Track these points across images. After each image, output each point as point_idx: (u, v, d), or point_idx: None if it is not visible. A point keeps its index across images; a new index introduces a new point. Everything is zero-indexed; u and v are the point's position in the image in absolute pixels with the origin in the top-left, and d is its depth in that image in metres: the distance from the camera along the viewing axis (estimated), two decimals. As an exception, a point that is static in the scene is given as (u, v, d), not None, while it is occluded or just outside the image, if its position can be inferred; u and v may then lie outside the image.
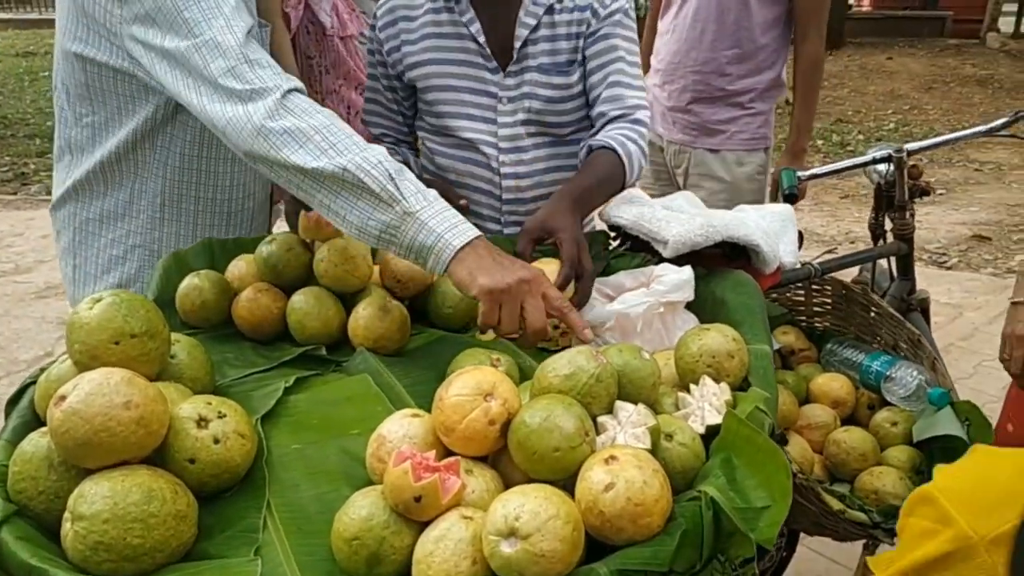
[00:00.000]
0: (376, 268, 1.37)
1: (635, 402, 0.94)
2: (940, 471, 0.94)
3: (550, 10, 1.56)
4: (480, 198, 1.66)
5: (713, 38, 2.36)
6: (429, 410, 0.96)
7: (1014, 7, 12.33)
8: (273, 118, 1.15)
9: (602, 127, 1.54)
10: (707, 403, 0.99)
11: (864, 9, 12.42)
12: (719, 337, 1.06)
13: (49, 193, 5.95)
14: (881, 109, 8.54)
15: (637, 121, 1.54)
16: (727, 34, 2.34)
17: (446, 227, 1.13)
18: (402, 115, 1.72)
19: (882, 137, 7.59)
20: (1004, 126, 2.07)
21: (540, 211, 1.34)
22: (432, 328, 1.37)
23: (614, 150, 1.47)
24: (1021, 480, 0.83)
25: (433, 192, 1.17)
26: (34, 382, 1.05)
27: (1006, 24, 12.02)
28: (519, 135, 1.61)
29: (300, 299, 1.26)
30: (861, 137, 7.63)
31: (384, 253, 1.37)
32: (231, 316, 1.30)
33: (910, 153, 1.89)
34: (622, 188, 1.49)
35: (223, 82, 1.18)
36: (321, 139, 1.14)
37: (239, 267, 1.35)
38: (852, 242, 5.24)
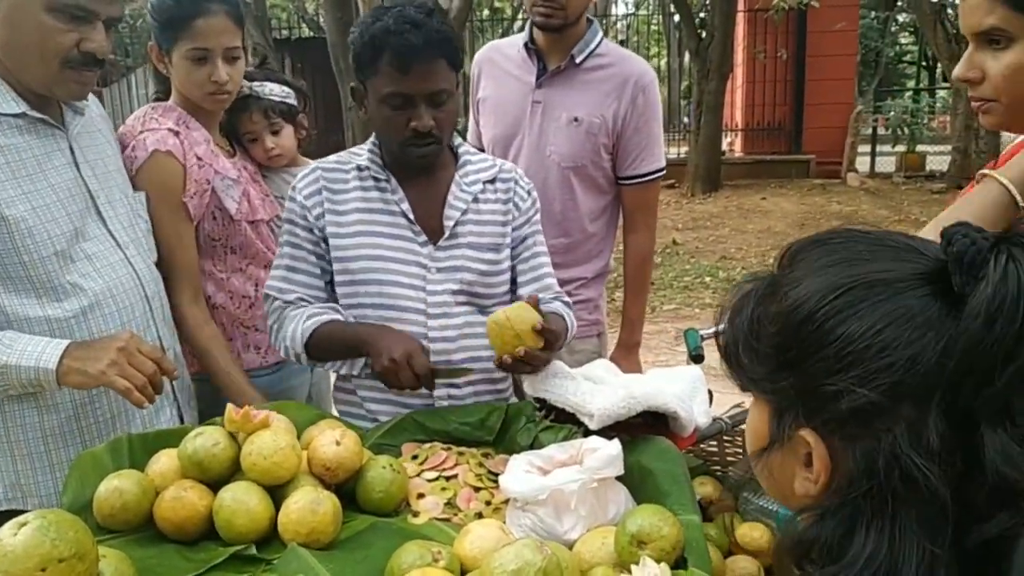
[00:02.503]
0: (304, 455, 1.35)
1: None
2: None
3: (476, 199, 1.73)
4: None
5: None
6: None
7: (868, 148, 13.62)
8: None
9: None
10: (649, 585, 1.01)
11: (737, 154, 13.44)
12: (653, 518, 1.09)
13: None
14: (761, 246, 9.09)
15: (568, 304, 1.83)
16: (554, 223, 2.19)
17: (35, 359, 1.43)
18: (323, 278, 1.74)
19: (765, 272, 8.05)
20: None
21: None
22: (362, 514, 1.35)
23: (563, 317, 1.74)
24: None
25: (8, 334, 1.45)
26: (-59, 614, 0.98)
27: (862, 164, 13.22)
28: (448, 302, 1.69)
29: (228, 495, 1.23)
30: (745, 272, 8.07)
31: (312, 441, 1.36)
32: (151, 516, 1.26)
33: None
34: (561, 346, 1.71)
35: None
36: None
37: (161, 463, 1.31)
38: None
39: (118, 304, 1.62)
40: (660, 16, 17.34)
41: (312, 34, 14.09)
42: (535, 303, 1.52)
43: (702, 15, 12.24)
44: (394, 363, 1.49)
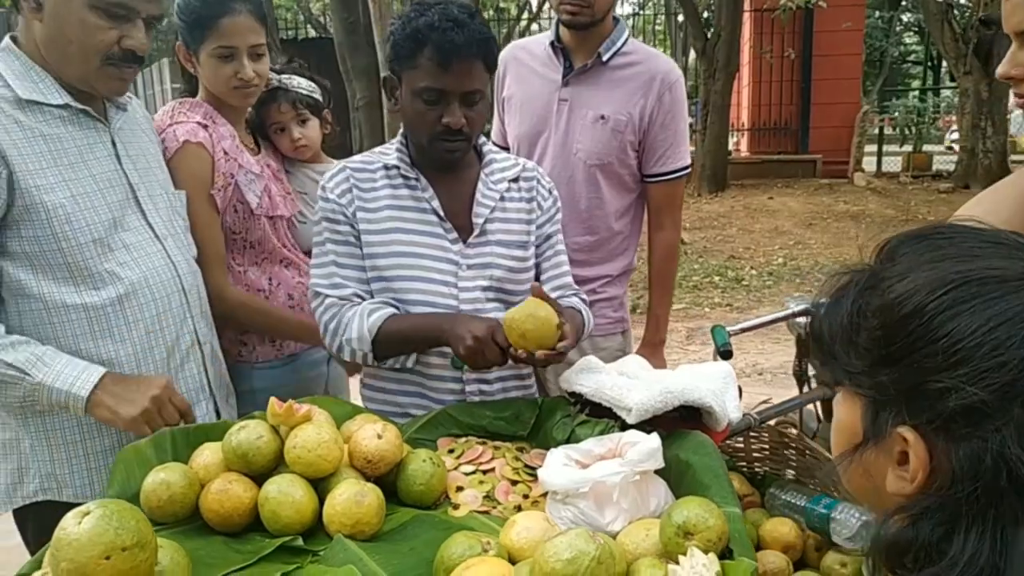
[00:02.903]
0: (345, 448, 1.37)
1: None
2: None
3: (502, 198, 1.75)
4: (442, 360, 1.70)
5: (565, 223, 2.02)
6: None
7: (874, 148, 13.64)
8: None
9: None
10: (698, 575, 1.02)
11: (743, 154, 13.45)
12: (699, 510, 1.10)
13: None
14: (768, 245, 9.11)
15: (584, 300, 1.86)
16: (580, 221, 2.22)
17: (71, 382, 1.47)
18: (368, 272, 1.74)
19: (773, 271, 8.06)
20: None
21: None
22: (402, 506, 1.36)
23: (580, 312, 1.78)
24: None
25: (48, 351, 1.48)
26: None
27: (869, 164, 13.23)
28: (479, 299, 1.70)
29: (273, 488, 1.25)
30: (754, 272, 8.09)
31: (352, 434, 1.38)
32: (197, 509, 1.27)
33: (814, 330, 2.04)
34: (577, 342, 1.71)
35: None
36: None
37: (205, 457, 1.32)
38: (760, 373, 5.47)
39: (154, 294, 1.64)
40: (664, 16, 17.37)
41: (318, 34, 14.11)
42: (540, 293, 1.52)
43: (706, 15, 12.23)
44: (478, 340, 1.49)
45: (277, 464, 1.31)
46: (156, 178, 1.74)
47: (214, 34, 1.89)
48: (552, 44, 2.23)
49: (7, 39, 1.56)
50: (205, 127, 1.91)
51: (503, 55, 2.37)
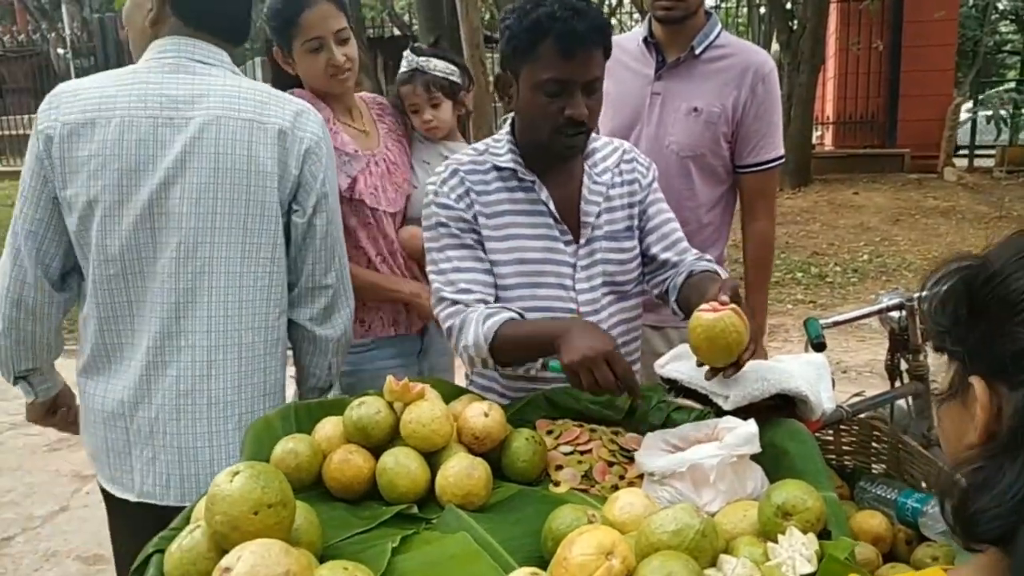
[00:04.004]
0: (454, 426, 1.45)
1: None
2: None
3: (608, 188, 1.75)
4: None
5: None
6: (525, 564, 1.04)
7: (966, 141, 13.13)
8: None
9: (678, 263, 1.76)
10: (797, 553, 1.06)
11: (827, 148, 13.13)
12: (798, 492, 1.15)
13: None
14: (853, 241, 8.90)
15: (711, 260, 1.77)
16: None
17: None
18: (490, 274, 1.70)
19: (858, 268, 7.89)
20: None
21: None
22: (506, 481, 1.44)
23: (716, 272, 1.69)
24: None
25: None
26: (159, 551, 1.11)
27: (960, 159, 12.75)
28: (596, 299, 1.72)
29: (390, 459, 1.34)
30: (838, 269, 7.93)
31: (461, 413, 1.46)
32: (319, 477, 1.38)
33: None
34: None
35: None
36: None
37: (326, 429, 1.43)
38: (844, 371, 5.39)
39: None
40: (746, 8, 17.04)
41: (401, 33, 14.35)
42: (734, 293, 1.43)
43: (788, 6, 11.97)
44: (589, 360, 1.40)
45: (392, 437, 1.41)
46: None
47: (299, 30, 2.03)
48: (645, 40, 2.27)
49: None
50: None
51: None
